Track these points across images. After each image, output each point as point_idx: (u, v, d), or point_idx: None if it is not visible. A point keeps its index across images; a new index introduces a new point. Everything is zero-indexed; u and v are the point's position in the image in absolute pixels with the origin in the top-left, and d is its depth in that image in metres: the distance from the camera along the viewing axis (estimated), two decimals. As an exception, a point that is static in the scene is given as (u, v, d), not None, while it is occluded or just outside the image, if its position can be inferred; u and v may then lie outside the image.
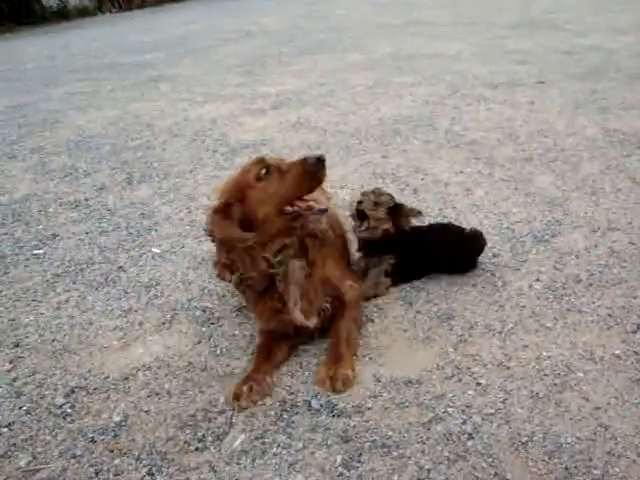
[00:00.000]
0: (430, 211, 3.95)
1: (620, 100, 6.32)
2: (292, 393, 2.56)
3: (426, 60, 8.86)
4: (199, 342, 2.91)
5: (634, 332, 2.77)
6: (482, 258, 3.35)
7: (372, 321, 2.97)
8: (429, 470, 2.15)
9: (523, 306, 2.96)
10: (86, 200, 4.57)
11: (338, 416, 2.41)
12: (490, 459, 2.18)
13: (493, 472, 2.13)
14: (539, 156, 4.82)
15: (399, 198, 3.22)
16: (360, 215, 3.08)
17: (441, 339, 2.79)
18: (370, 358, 2.72)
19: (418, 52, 9.47)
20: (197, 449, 2.30)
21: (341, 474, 2.16)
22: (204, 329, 3.00)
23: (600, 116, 5.85)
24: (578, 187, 4.25)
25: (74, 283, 3.45)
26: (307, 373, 2.66)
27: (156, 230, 4.01)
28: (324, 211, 2.52)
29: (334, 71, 8.36)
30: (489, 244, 3.41)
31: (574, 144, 5.09)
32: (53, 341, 2.98)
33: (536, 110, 6.11)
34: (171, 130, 6.11)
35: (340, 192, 4.32)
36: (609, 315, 2.87)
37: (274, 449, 2.29)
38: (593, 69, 7.71)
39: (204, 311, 3.13)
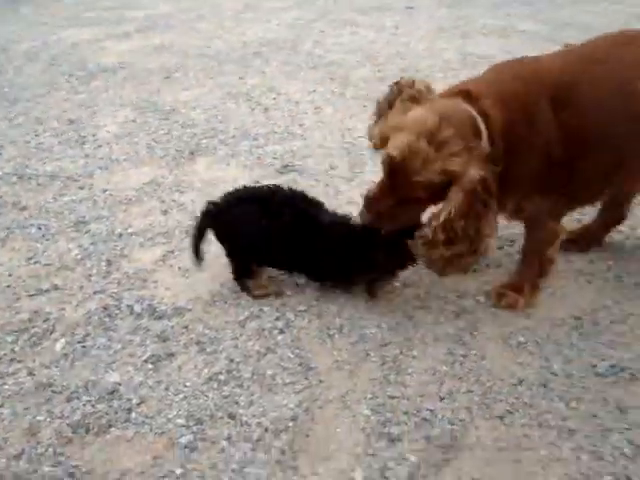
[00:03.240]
0: (277, 128, 3.99)
1: (481, 26, 6.49)
2: (116, 299, 2.58)
3: (302, -15, 8.77)
4: (31, 258, 2.88)
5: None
6: (318, 169, 3.43)
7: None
8: (239, 362, 2.25)
9: (351, 212, 3.05)
10: None
11: (159, 318, 2.47)
12: (297, 350, 2.29)
13: (299, 362, 2.24)
14: (393, 76, 4.89)
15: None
16: None
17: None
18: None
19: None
20: (17, 356, 2.31)
21: (153, 369, 2.22)
22: (39, 245, 2.97)
23: (460, 40, 6.00)
24: (425, 104, 4.36)
25: None
26: (132, 281, 2.69)
27: (0, 154, 3.89)
28: None
29: (206, -4, 8.19)
30: (330, 159, 3.51)
31: (429, 65, 5.22)
32: None
33: (400, 34, 6.20)
34: (27, 54, 5.87)
35: (192, 112, 4.28)
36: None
37: (94, 351, 2.33)
38: (462, -4, 7.85)
39: (40, 228, 3.09)
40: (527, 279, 2.46)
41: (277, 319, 2.43)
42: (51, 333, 2.44)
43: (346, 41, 5.92)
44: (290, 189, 2.48)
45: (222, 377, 2.19)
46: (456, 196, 1.92)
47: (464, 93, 2.04)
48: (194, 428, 2.01)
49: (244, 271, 2.56)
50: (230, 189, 2.54)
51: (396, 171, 1.96)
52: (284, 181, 3.35)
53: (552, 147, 2.08)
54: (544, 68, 2.13)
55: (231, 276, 2.63)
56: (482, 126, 1.97)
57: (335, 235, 2.36)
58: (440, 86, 4.68)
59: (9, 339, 2.41)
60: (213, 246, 2.83)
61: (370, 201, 2.10)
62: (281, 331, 2.37)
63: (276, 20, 6.74)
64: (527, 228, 2.40)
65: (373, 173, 3.42)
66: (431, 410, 2.06)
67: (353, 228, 2.35)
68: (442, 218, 1.94)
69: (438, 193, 1.97)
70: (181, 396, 2.13)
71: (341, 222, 2.41)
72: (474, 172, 1.90)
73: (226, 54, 5.57)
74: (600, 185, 2.33)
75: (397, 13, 7.02)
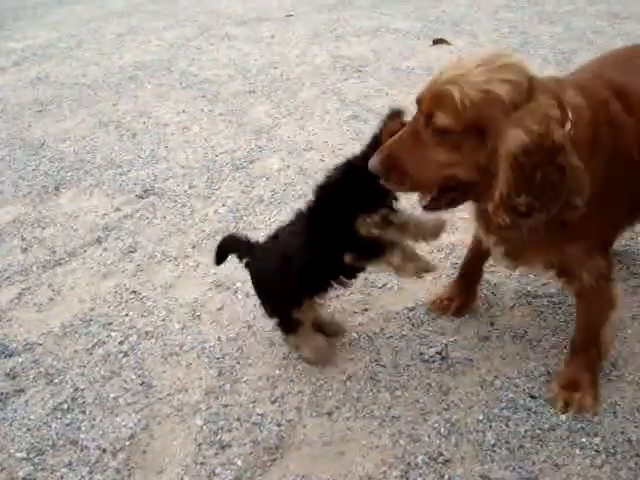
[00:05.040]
0: (143, 153, 4.08)
1: (357, 28, 6.67)
2: (-32, 344, 2.65)
3: (187, 1, 8.84)
4: None
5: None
6: (178, 190, 3.55)
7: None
8: (83, 389, 2.36)
9: (204, 230, 3.19)
10: None
11: (9, 356, 2.56)
12: (141, 371, 2.40)
13: (140, 382, 2.36)
14: (263, 88, 5.06)
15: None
16: None
17: (123, 273, 2.96)
18: (52, 299, 2.85)
19: (181, -7, 9.42)
20: None
21: (1, 407, 2.30)
22: None
23: (333, 44, 6.16)
24: (290, 113, 4.53)
25: None
26: (-15, 322, 2.76)
27: None
28: None
29: (90, 20, 8.19)
30: (190, 179, 3.64)
31: (300, 73, 5.37)
32: None
33: (275, 43, 6.34)
34: None
35: (62, 145, 4.34)
36: (281, 227, 3.14)
37: (-57, 399, 2.39)
38: (342, -1, 8.02)
39: None
40: (584, 369, 2.14)
41: (121, 343, 2.53)
42: None
43: (221, 56, 6.03)
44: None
45: (66, 405, 2.29)
46: (503, 169, 1.56)
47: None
48: (35, 459, 2.11)
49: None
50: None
51: (434, 93, 1.64)
52: (143, 205, 3.45)
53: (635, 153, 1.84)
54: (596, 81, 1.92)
55: (85, 306, 2.73)
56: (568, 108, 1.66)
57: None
58: (305, 94, 4.88)
59: None
60: (69, 278, 2.92)
61: (386, 144, 1.74)
62: (125, 354, 2.48)
63: (156, 41, 6.81)
64: (580, 299, 2.07)
65: (230, 189, 3.55)
66: (261, 414, 2.20)
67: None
68: (496, 198, 1.61)
69: (470, 139, 1.61)
70: (24, 430, 2.21)
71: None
72: (530, 126, 1.53)
73: (102, 81, 5.62)
74: None
75: (275, 22, 7.16)
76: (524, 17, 6.60)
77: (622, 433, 2.02)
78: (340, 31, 6.59)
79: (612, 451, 1.97)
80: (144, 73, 5.72)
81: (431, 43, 5.95)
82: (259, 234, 3.09)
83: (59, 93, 5.43)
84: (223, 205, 3.38)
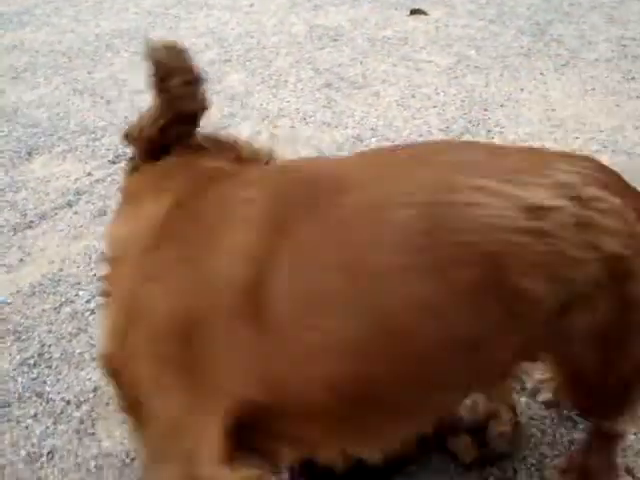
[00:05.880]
0: (117, 120, 4.12)
1: (336, -5, 6.67)
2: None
3: (167, -30, 8.79)
4: None
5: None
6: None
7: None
8: (50, 345, 2.42)
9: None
10: None
11: (-24, 316, 2.61)
12: (106, 328, 2.46)
13: (106, 338, 2.41)
14: (238, 57, 5.08)
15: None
16: None
17: (92, 235, 3.02)
18: (22, 260, 2.91)
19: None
20: None
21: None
22: None
23: (311, 13, 6.18)
24: (264, 81, 4.57)
25: None
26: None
27: None
28: None
29: (69, -12, 8.11)
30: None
31: (276, 42, 5.40)
32: None
33: (253, 12, 6.34)
34: None
35: (36, 111, 4.36)
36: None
37: None
38: (322, -33, 7.99)
39: None
40: None
41: (88, 301, 2.60)
42: None
43: (199, 24, 6.03)
44: None
45: (33, 361, 2.36)
46: None
47: None
48: (1, 411, 2.18)
49: None
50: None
51: None
52: (114, 170, 3.49)
53: None
54: None
55: (54, 267, 2.80)
56: None
57: None
58: (280, 62, 4.92)
59: None
60: (40, 240, 2.98)
61: None
62: (92, 312, 2.55)
63: (134, 8, 6.78)
64: None
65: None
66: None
67: None
68: None
69: None
70: (-10, 383, 2.28)
71: None
72: None
73: (78, 49, 5.61)
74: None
75: (254, -9, 7.13)
76: (502, -13, 6.61)
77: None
78: (318, 0, 6.58)
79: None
80: (121, 41, 5.72)
81: (408, 13, 5.97)
82: (227, 198, 3.14)
83: (34, 60, 5.42)
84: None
